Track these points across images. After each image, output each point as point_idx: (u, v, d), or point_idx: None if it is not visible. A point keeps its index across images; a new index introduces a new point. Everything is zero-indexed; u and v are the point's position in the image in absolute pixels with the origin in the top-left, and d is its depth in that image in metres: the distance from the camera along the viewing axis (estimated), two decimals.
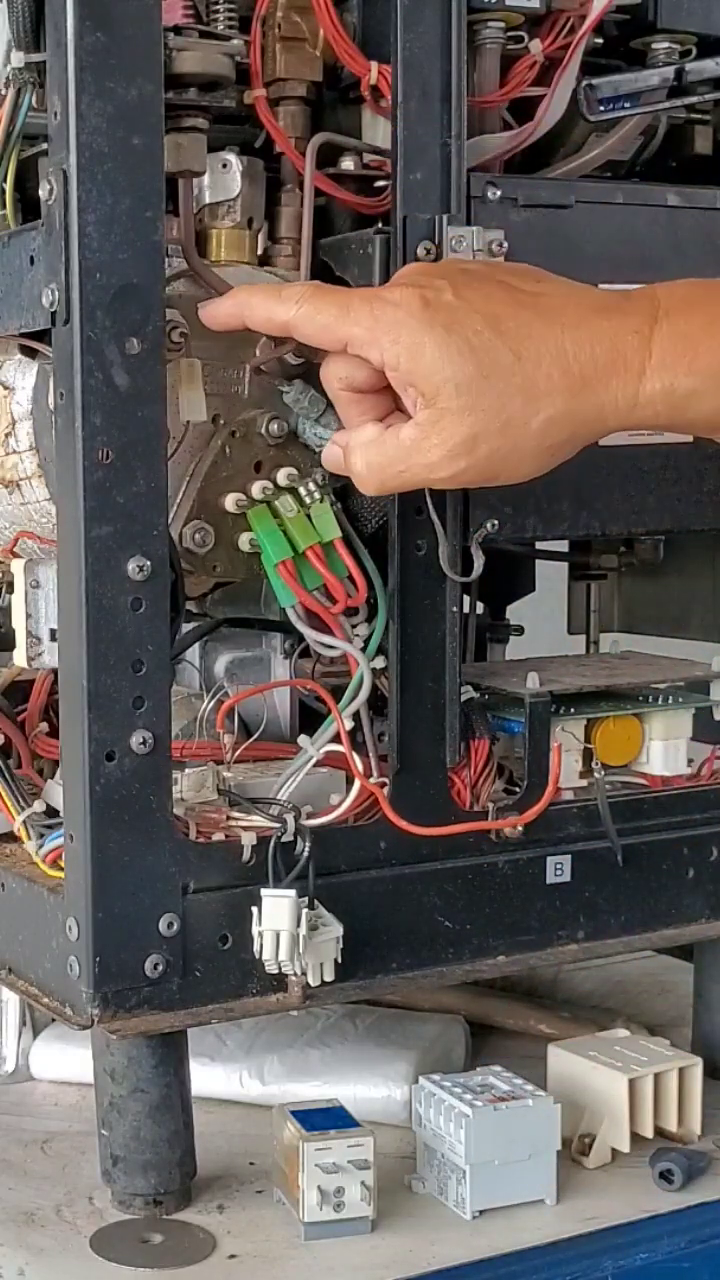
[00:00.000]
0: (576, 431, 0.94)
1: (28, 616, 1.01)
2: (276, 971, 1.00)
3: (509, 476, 0.95)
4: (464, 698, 1.08)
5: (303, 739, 1.05)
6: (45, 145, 0.96)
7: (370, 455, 0.95)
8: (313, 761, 1.04)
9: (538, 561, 1.45)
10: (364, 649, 1.04)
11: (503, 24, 1.08)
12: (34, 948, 1.04)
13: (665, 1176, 1.05)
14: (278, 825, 1.01)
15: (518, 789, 1.10)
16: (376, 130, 1.08)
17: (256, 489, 1.04)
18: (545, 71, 1.10)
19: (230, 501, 1.05)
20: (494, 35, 1.08)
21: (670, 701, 1.17)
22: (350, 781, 1.04)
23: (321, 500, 1.04)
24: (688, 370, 0.93)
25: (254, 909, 0.99)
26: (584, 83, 1.11)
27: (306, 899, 0.99)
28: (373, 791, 1.03)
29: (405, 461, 0.93)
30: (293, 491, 1.04)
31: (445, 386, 0.91)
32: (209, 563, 1.06)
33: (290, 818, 1.02)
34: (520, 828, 1.09)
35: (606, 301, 0.95)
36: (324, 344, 0.95)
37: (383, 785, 1.05)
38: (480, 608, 1.42)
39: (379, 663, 1.05)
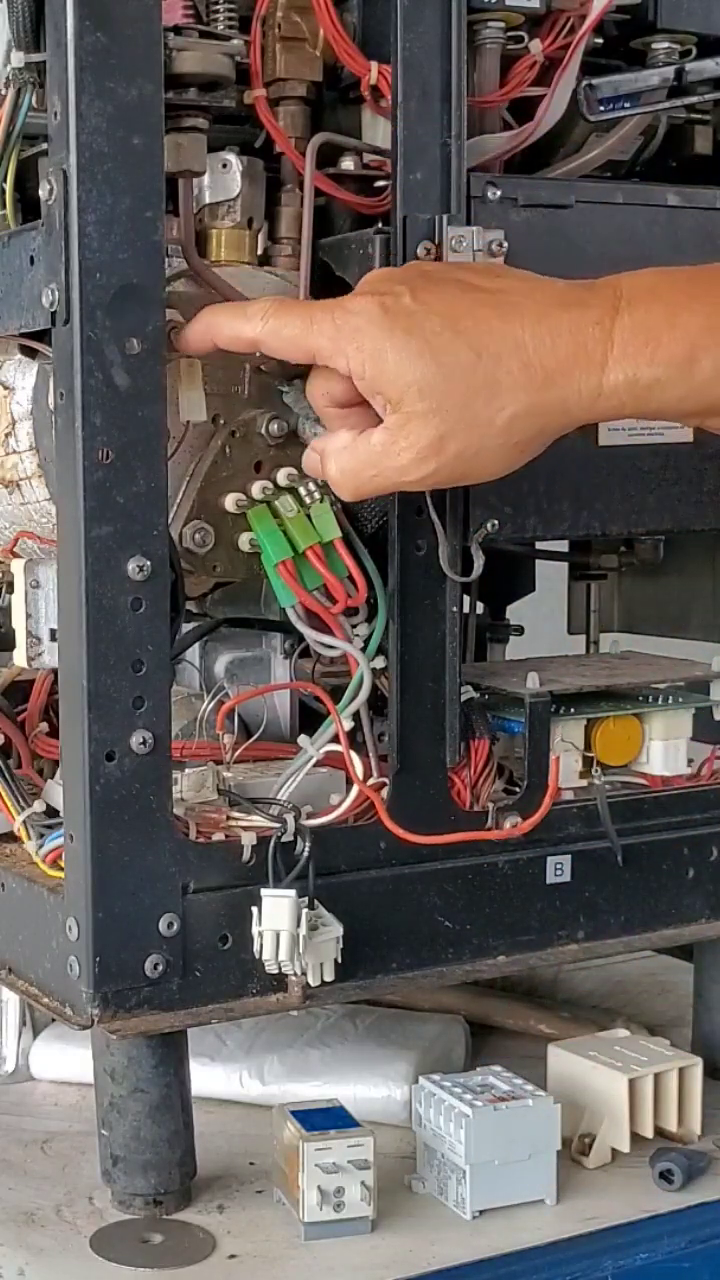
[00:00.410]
0: (544, 426, 0.94)
1: (28, 616, 1.01)
2: (276, 971, 1.00)
3: (479, 474, 0.96)
4: (464, 698, 1.08)
5: (303, 739, 1.05)
6: (45, 145, 0.96)
7: (343, 461, 0.96)
8: (313, 761, 1.04)
9: (538, 561, 1.45)
10: (364, 649, 1.04)
11: (503, 24, 1.08)
12: (34, 948, 1.04)
13: (665, 1176, 1.05)
14: (278, 825, 1.01)
15: (518, 789, 1.10)
16: (376, 130, 1.08)
17: (256, 489, 1.04)
18: (545, 71, 1.10)
19: (230, 501, 1.05)
20: (494, 35, 1.08)
21: (670, 701, 1.17)
22: (351, 780, 1.04)
23: (321, 500, 1.04)
24: (649, 360, 0.93)
25: (254, 909, 0.99)
26: (584, 83, 1.11)
27: (306, 899, 0.99)
28: (371, 798, 1.03)
29: (377, 466, 0.94)
30: (293, 491, 1.04)
31: (409, 390, 0.92)
32: (209, 563, 1.06)
33: (290, 818, 1.02)
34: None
35: (567, 295, 0.95)
36: (292, 357, 0.97)
37: (382, 787, 1.05)
38: (480, 608, 1.42)
39: (379, 663, 1.05)
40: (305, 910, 0.99)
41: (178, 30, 0.99)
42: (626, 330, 0.93)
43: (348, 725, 1.03)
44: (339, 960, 1.01)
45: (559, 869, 1.11)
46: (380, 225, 1.05)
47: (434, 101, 1.02)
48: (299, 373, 1.06)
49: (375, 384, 0.93)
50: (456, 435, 0.92)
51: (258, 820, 1.02)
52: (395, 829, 1.04)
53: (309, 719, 1.14)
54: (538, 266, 1.05)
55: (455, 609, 1.06)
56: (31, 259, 0.97)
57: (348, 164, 1.09)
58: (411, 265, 1.00)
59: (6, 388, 1.06)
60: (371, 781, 1.04)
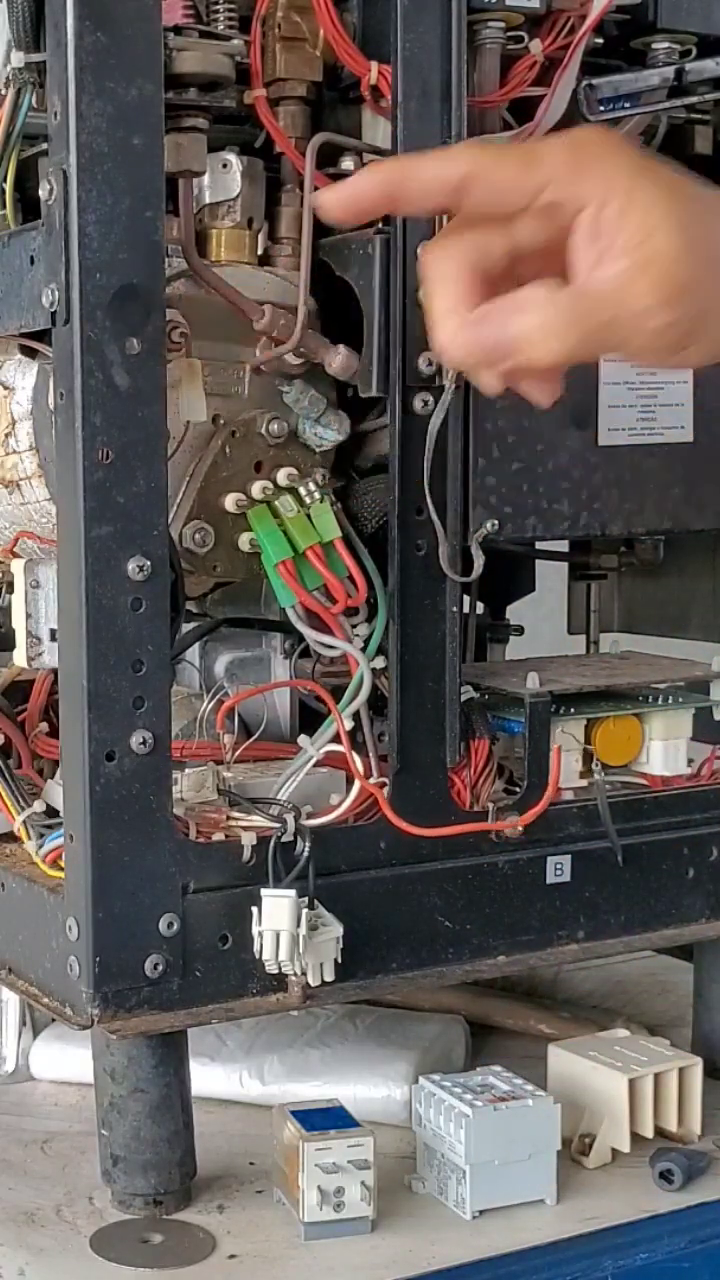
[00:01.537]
0: None
1: (28, 616, 1.01)
2: (276, 971, 1.00)
3: (700, 347, 0.85)
4: (464, 698, 1.08)
5: (303, 739, 1.05)
6: (45, 145, 0.96)
7: (563, 304, 0.82)
8: (313, 761, 1.04)
9: (538, 561, 1.45)
10: (364, 649, 1.04)
11: (503, 24, 1.08)
12: (34, 948, 1.04)
13: (665, 1176, 1.05)
14: (278, 825, 1.01)
15: (518, 789, 1.10)
16: (376, 130, 1.08)
17: (256, 489, 1.05)
18: (545, 71, 1.10)
19: (230, 501, 1.05)
20: (494, 35, 1.08)
21: (670, 701, 1.17)
22: (350, 781, 1.04)
23: (321, 500, 1.04)
24: None
25: (254, 909, 0.99)
26: (584, 83, 1.11)
27: (306, 899, 0.99)
28: (372, 792, 1.03)
29: (615, 307, 0.82)
30: (293, 491, 1.04)
31: (662, 226, 0.82)
32: (209, 563, 1.06)
33: (290, 818, 1.02)
34: (520, 827, 1.09)
35: None
36: (511, 195, 0.83)
37: (382, 785, 1.05)
38: (480, 608, 1.42)
39: (379, 663, 1.05)
40: (305, 910, 0.99)
41: (178, 30, 0.99)
42: None
43: (348, 725, 1.03)
44: (339, 960, 1.01)
45: (559, 869, 1.11)
46: (380, 225, 1.05)
47: (434, 101, 1.02)
48: (299, 373, 1.06)
49: (621, 218, 0.82)
50: (704, 285, 0.83)
51: (258, 820, 1.02)
52: (398, 821, 1.04)
53: (309, 719, 1.14)
54: None
55: (455, 609, 1.06)
56: (31, 259, 0.97)
57: (348, 164, 1.09)
58: None
59: (6, 388, 1.06)
60: (372, 780, 1.04)
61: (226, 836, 1.01)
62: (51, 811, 1.07)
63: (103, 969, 0.97)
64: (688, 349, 0.85)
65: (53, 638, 1.00)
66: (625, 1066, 1.08)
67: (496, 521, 1.07)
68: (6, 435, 1.05)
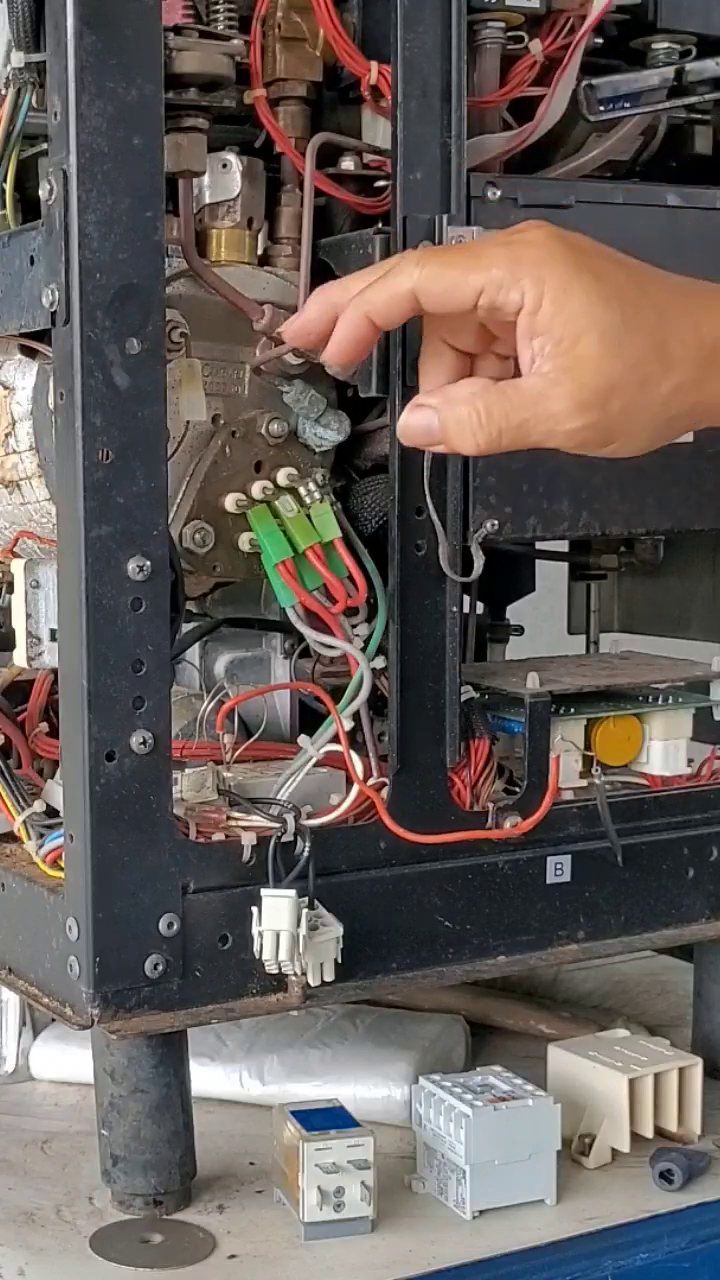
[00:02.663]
0: (696, 406, 0.91)
1: (28, 616, 1.01)
2: (276, 971, 1.00)
3: (626, 443, 0.90)
4: (464, 698, 1.08)
5: (303, 739, 1.05)
6: (45, 145, 0.96)
7: (487, 403, 0.89)
8: (313, 761, 1.04)
9: (538, 561, 1.45)
10: (364, 649, 1.04)
11: (503, 24, 1.08)
12: (34, 948, 1.04)
13: (665, 1176, 1.05)
14: (278, 825, 1.01)
15: (518, 789, 1.10)
16: (376, 130, 1.08)
17: (256, 489, 1.05)
18: (545, 71, 1.10)
19: (230, 501, 1.05)
20: (494, 35, 1.08)
21: (670, 701, 1.17)
22: (351, 780, 1.04)
23: (321, 500, 1.04)
24: None
25: (254, 909, 0.99)
26: (584, 83, 1.11)
27: (306, 899, 0.99)
28: (371, 797, 1.03)
29: (530, 409, 0.88)
30: (293, 491, 1.04)
31: (589, 332, 0.87)
32: (209, 563, 1.06)
33: (290, 818, 1.02)
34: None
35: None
36: (456, 302, 0.89)
37: (382, 787, 1.05)
38: (480, 608, 1.42)
39: (379, 663, 1.05)
40: (305, 910, 0.99)
41: (178, 30, 0.99)
42: None
43: (348, 725, 1.03)
44: (339, 960, 1.01)
45: (559, 869, 1.11)
46: (380, 225, 1.05)
47: (434, 101, 1.02)
48: (299, 373, 1.06)
49: (550, 321, 0.87)
50: (625, 390, 0.87)
51: (258, 820, 1.02)
52: (395, 828, 1.04)
53: (309, 719, 1.14)
54: None
55: (455, 609, 1.06)
56: (31, 259, 0.97)
57: (348, 164, 1.09)
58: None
59: (6, 388, 1.06)
60: (371, 781, 1.04)
61: (226, 836, 1.01)
62: (51, 811, 1.07)
63: (103, 969, 0.97)
64: (613, 444, 0.90)
65: (53, 638, 1.00)
66: (625, 1066, 1.08)
67: (496, 521, 1.07)
68: (6, 435, 1.05)
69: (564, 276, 0.87)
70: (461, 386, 0.91)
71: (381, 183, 1.08)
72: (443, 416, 0.90)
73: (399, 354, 1.02)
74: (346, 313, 0.92)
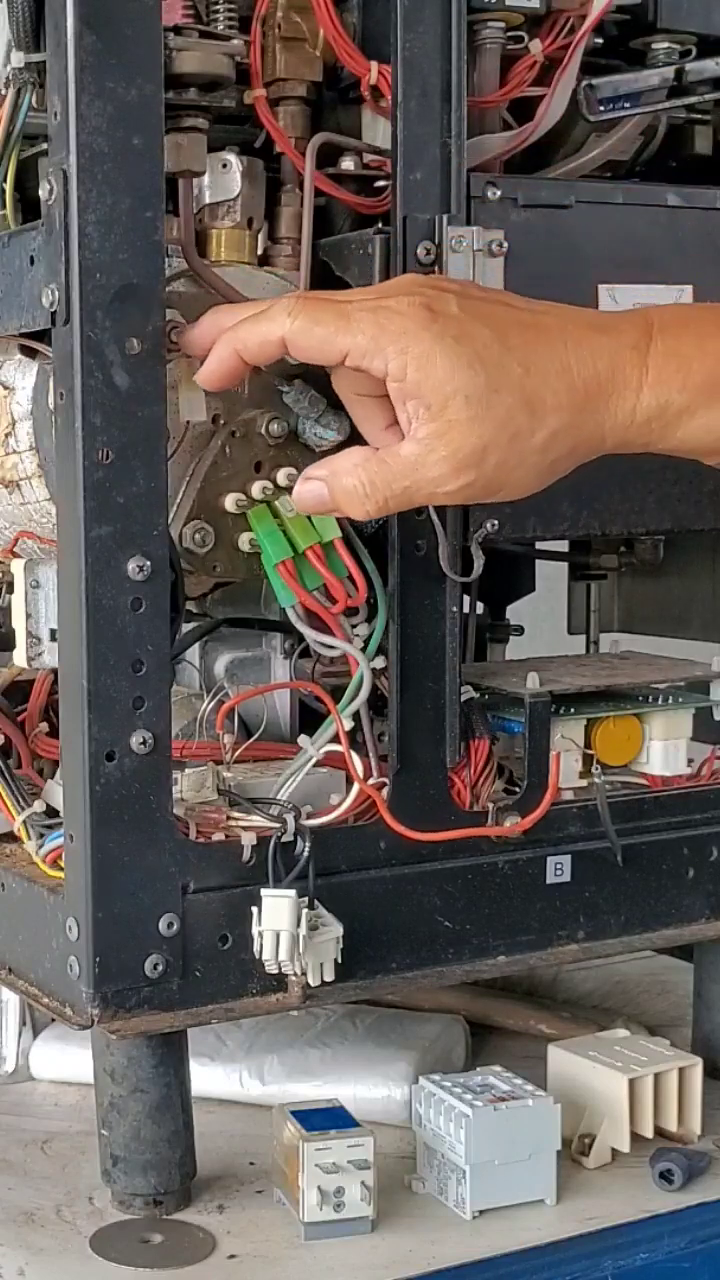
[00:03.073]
0: (576, 447, 0.94)
1: (28, 616, 1.01)
2: (276, 971, 1.00)
3: (511, 490, 0.94)
4: (464, 698, 1.08)
5: (303, 739, 1.05)
6: (45, 145, 0.96)
7: (369, 473, 0.93)
8: (313, 761, 1.04)
9: (538, 561, 1.45)
10: (364, 649, 1.04)
11: (503, 24, 1.08)
12: (34, 948, 1.04)
13: (665, 1176, 1.05)
14: (278, 825, 1.01)
15: (518, 789, 1.10)
16: (376, 130, 1.08)
17: (256, 489, 1.05)
18: (545, 71, 1.10)
19: (230, 501, 1.05)
20: (494, 35, 1.08)
21: (670, 701, 1.17)
22: (351, 780, 1.04)
23: None
24: (680, 387, 0.94)
25: (254, 909, 0.99)
26: (584, 83, 1.11)
27: (306, 899, 0.99)
28: (371, 795, 1.03)
29: (410, 476, 0.92)
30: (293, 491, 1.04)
31: (455, 398, 0.90)
32: (209, 563, 1.06)
33: (290, 818, 1.02)
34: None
35: (602, 320, 0.96)
36: (323, 357, 0.93)
37: (382, 787, 1.05)
38: (480, 608, 1.42)
39: (379, 663, 1.05)
40: (305, 910, 0.99)
41: (178, 30, 0.99)
42: (659, 355, 0.93)
43: (348, 725, 1.03)
44: (339, 960, 1.01)
45: (559, 869, 1.11)
46: (380, 225, 1.05)
47: (434, 101, 1.02)
48: (299, 373, 1.06)
49: (417, 389, 0.90)
50: (498, 447, 0.91)
51: (258, 820, 1.02)
52: (396, 826, 1.04)
53: (309, 719, 1.14)
54: (538, 266, 1.06)
55: (455, 609, 1.06)
56: (31, 259, 0.97)
57: (348, 164, 1.09)
58: (441, 277, 0.99)
59: (6, 388, 1.06)
60: (372, 781, 1.04)
61: (226, 836, 1.01)
62: (51, 811, 1.07)
63: (103, 969, 0.97)
64: (498, 494, 0.94)
65: (53, 638, 1.00)
66: (625, 1066, 1.08)
67: (496, 521, 1.07)
68: (6, 435, 1.05)
69: (426, 345, 0.90)
70: (346, 457, 0.94)
71: (381, 183, 1.08)
72: (331, 487, 0.95)
73: None
74: (219, 344, 0.96)
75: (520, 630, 1.45)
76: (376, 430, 0.96)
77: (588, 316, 0.97)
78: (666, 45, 1.14)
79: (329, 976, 1.01)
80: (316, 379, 1.07)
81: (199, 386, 1.02)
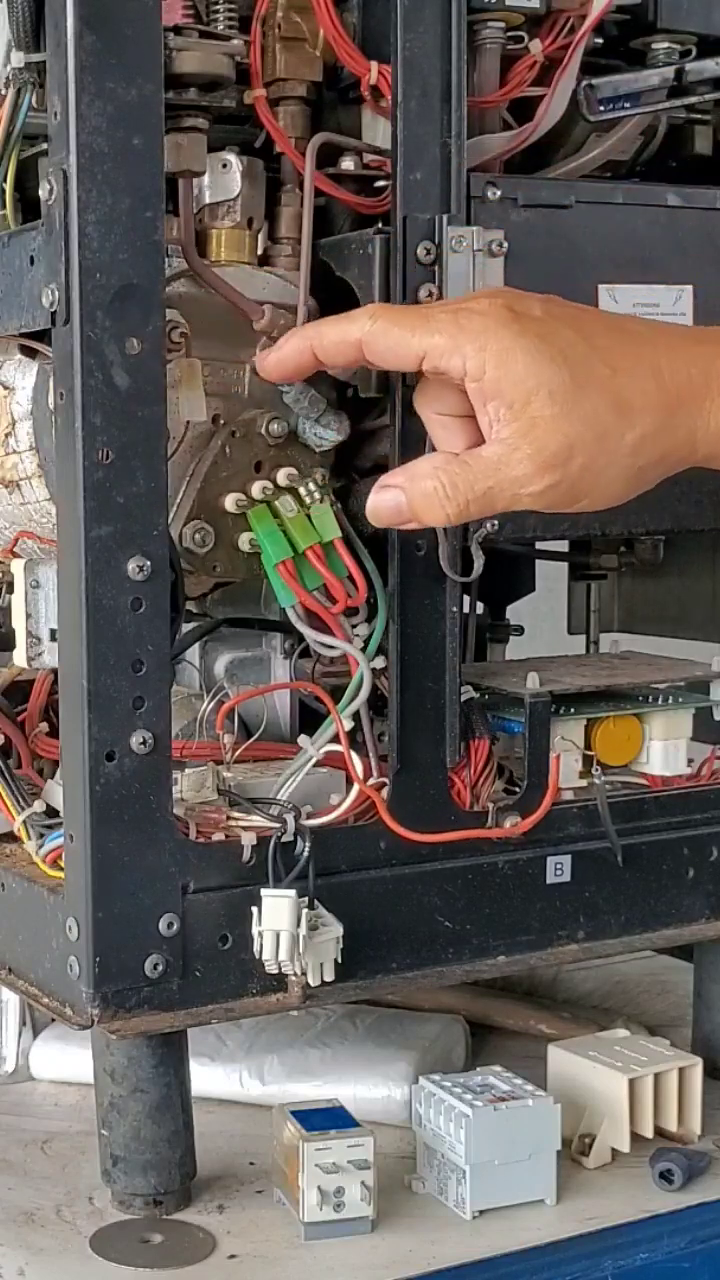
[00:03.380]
0: (667, 453, 0.91)
1: (28, 616, 1.01)
2: (276, 971, 1.00)
3: (597, 497, 0.91)
4: (464, 698, 1.08)
5: (303, 739, 1.05)
6: (45, 145, 0.96)
7: (450, 475, 0.90)
8: (313, 761, 1.04)
9: (538, 561, 1.45)
10: (364, 649, 1.04)
11: (503, 24, 1.08)
12: (34, 948, 1.04)
13: (665, 1176, 1.05)
14: (278, 825, 1.01)
15: (518, 789, 1.10)
16: (376, 130, 1.08)
17: (256, 489, 1.04)
18: (545, 71, 1.10)
19: (230, 501, 1.05)
20: (494, 35, 1.08)
21: (670, 701, 1.17)
22: (351, 780, 1.04)
23: (321, 500, 1.04)
24: None
25: (254, 909, 0.99)
26: (584, 83, 1.11)
27: (306, 899, 0.99)
28: (371, 797, 1.03)
29: (493, 477, 0.89)
30: (293, 491, 1.04)
31: (539, 393, 0.87)
32: (209, 563, 1.06)
33: (290, 818, 1.02)
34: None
35: (695, 331, 0.95)
36: (400, 360, 0.91)
37: (382, 786, 1.05)
38: (480, 608, 1.42)
39: (379, 663, 1.05)
40: (305, 910, 0.99)
41: (178, 30, 0.99)
42: None
43: (348, 725, 1.03)
44: (339, 960, 1.01)
45: (559, 869, 1.11)
46: (380, 225, 1.05)
47: (434, 101, 1.02)
48: None
49: (497, 386, 0.88)
50: (585, 447, 0.88)
51: (258, 820, 1.02)
52: (396, 827, 1.04)
53: (309, 719, 1.14)
54: (538, 266, 1.06)
55: (455, 609, 1.06)
56: (31, 259, 0.97)
57: (348, 164, 1.09)
58: (528, 293, 0.97)
59: (6, 388, 1.06)
60: (372, 781, 1.04)
61: (226, 836, 1.01)
62: (51, 811, 1.07)
63: (103, 969, 0.97)
64: (581, 501, 0.91)
65: (53, 638, 1.00)
66: (625, 1066, 1.08)
67: (496, 521, 1.06)
68: (6, 435, 1.05)
69: (505, 341, 0.88)
70: (425, 461, 0.92)
71: (381, 183, 1.08)
72: (409, 493, 0.92)
73: None
74: (295, 335, 0.96)
75: (520, 630, 1.45)
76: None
77: (679, 328, 0.95)
78: (666, 45, 1.14)
79: (329, 976, 1.01)
80: (317, 379, 1.07)
81: (199, 386, 1.02)
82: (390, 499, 0.93)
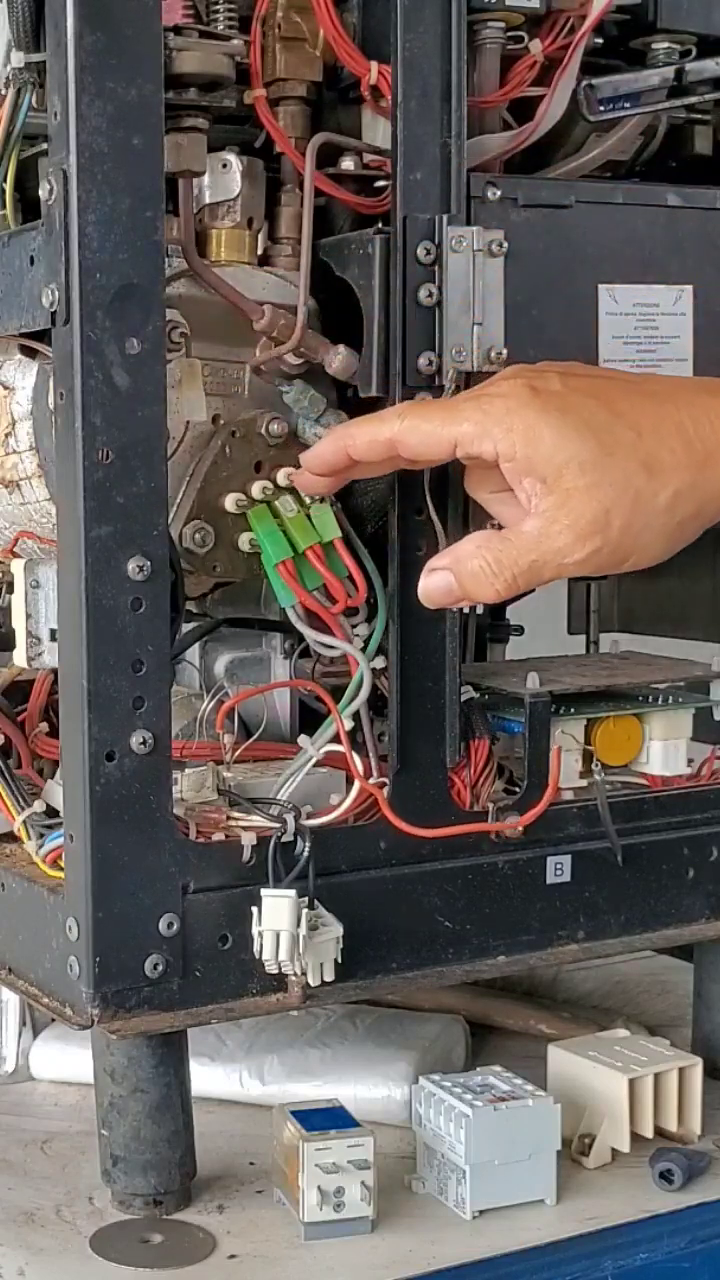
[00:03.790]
0: (703, 507, 0.93)
1: (28, 616, 1.01)
2: (276, 971, 1.00)
3: (642, 556, 0.93)
4: (464, 698, 1.08)
5: (303, 739, 1.05)
6: (45, 145, 0.96)
7: (494, 552, 0.92)
8: (313, 761, 1.04)
9: None
10: (364, 649, 1.04)
11: (503, 24, 1.08)
12: (34, 948, 1.04)
13: (665, 1176, 1.05)
14: (278, 825, 1.01)
15: (518, 789, 1.10)
16: (376, 130, 1.08)
17: (256, 489, 1.05)
18: (545, 71, 1.10)
19: (230, 501, 1.05)
20: (494, 35, 1.08)
21: (670, 701, 1.17)
22: (350, 781, 1.04)
23: (321, 500, 1.04)
24: None
25: (254, 909, 0.99)
26: (584, 83, 1.11)
27: (306, 899, 0.99)
28: (372, 793, 1.03)
29: (536, 550, 0.91)
30: (293, 491, 1.04)
31: (569, 465, 0.89)
32: (209, 563, 1.06)
33: (290, 818, 1.02)
34: (520, 827, 1.08)
35: (706, 383, 0.96)
36: (434, 452, 0.93)
37: (382, 786, 1.05)
38: (480, 608, 1.42)
39: (379, 663, 1.05)
40: (305, 910, 0.99)
41: (178, 30, 0.99)
42: None
43: (348, 725, 1.03)
44: (339, 960, 1.01)
45: (559, 869, 1.11)
46: (380, 225, 1.05)
47: (434, 101, 1.02)
48: (299, 373, 1.06)
49: (529, 464, 0.90)
50: (621, 510, 0.90)
51: (258, 820, 1.02)
52: (397, 822, 1.04)
53: (309, 719, 1.14)
54: (538, 266, 1.06)
55: (455, 609, 1.06)
56: (31, 259, 0.97)
57: (348, 164, 1.09)
58: (545, 364, 0.98)
59: (6, 388, 1.06)
60: (372, 781, 1.04)
61: (226, 836, 1.01)
62: (51, 811, 1.07)
63: (103, 969, 0.97)
64: (628, 561, 0.93)
65: (53, 638, 1.00)
66: (625, 1066, 1.08)
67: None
68: (6, 435, 1.05)
69: (529, 420, 0.90)
70: (468, 542, 0.94)
71: (381, 183, 1.08)
72: (457, 574, 0.94)
73: (399, 354, 1.02)
74: (332, 435, 0.99)
75: (520, 630, 1.45)
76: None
77: (696, 382, 0.97)
78: (666, 45, 1.14)
79: (329, 976, 1.01)
80: (316, 379, 1.07)
81: (199, 386, 1.02)
82: (440, 581, 0.96)
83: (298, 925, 0.98)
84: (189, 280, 1.04)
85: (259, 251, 1.10)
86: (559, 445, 0.90)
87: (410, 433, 0.94)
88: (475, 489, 0.98)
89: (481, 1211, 1.01)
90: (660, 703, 1.17)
